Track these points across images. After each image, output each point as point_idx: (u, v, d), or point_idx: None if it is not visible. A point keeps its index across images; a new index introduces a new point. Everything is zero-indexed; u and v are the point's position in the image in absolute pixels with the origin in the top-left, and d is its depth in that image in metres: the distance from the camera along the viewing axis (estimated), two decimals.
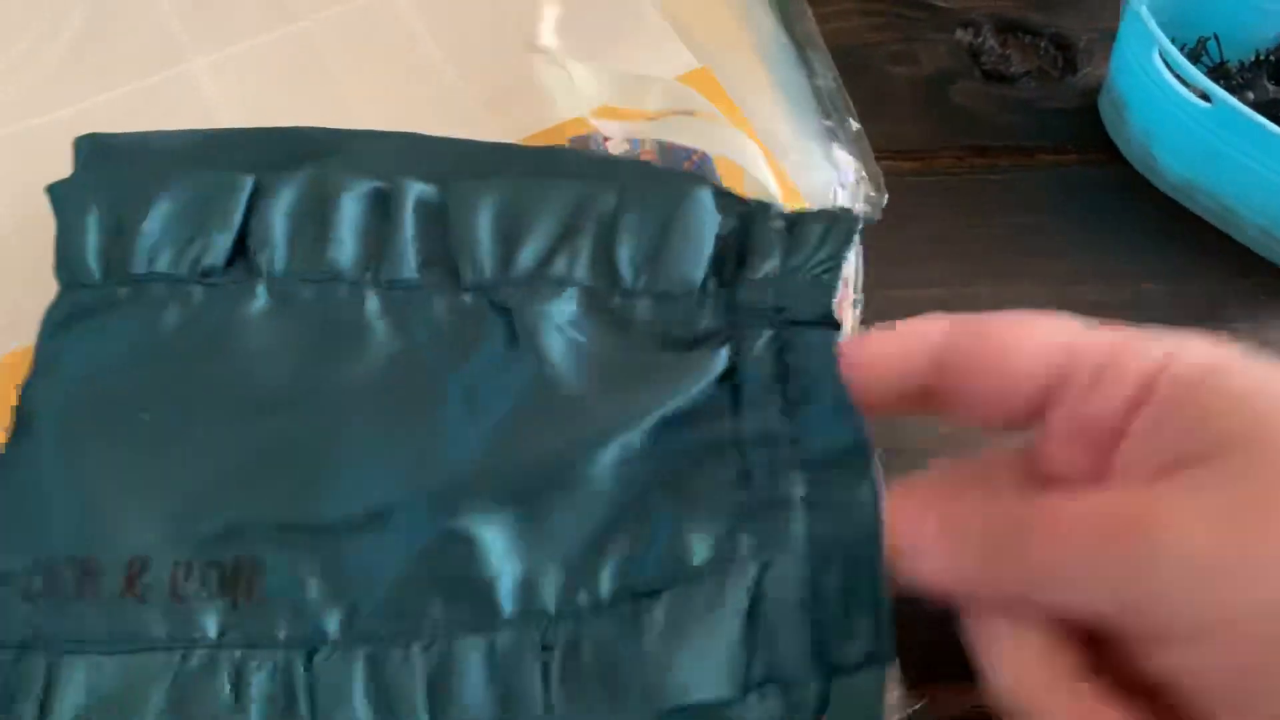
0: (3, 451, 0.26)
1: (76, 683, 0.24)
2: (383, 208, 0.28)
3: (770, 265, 0.27)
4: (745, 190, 0.31)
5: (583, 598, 0.24)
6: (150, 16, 0.37)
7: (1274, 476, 0.18)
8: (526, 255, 0.27)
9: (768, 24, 0.41)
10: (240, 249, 0.27)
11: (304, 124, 0.35)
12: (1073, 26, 0.42)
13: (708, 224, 0.27)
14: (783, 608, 0.23)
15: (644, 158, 0.33)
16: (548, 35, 0.35)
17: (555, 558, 0.24)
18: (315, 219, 0.27)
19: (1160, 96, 0.37)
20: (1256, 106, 0.35)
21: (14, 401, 0.27)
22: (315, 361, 0.26)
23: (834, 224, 0.27)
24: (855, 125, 0.38)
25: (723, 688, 0.23)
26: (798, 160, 0.37)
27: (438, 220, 0.28)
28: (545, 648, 0.24)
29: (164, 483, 0.25)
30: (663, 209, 0.27)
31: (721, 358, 0.26)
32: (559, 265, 0.27)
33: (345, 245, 0.27)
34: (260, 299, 0.27)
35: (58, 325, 0.27)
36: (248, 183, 0.28)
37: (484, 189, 0.28)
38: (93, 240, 0.27)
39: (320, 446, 0.25)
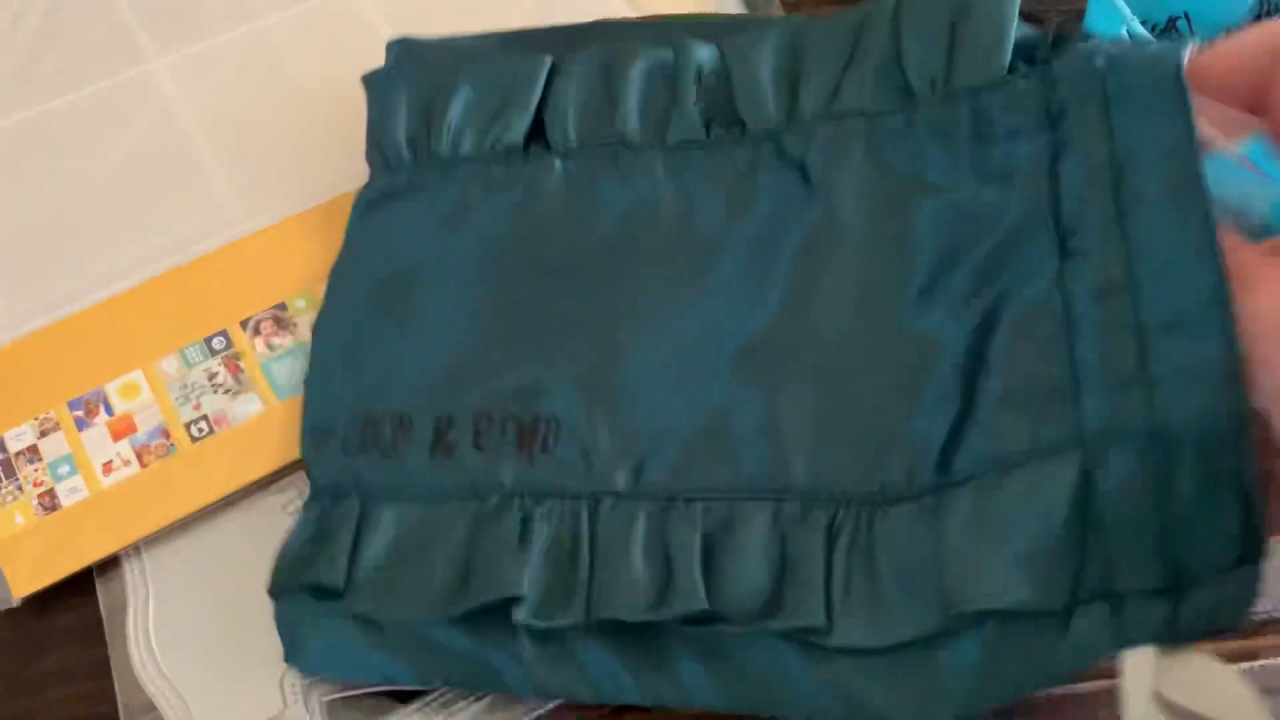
0: (318, 319, 0.29)
1: (386, 528, 0.25)
2: (668, 76, 0.28)
3: (1093, 44, 0.23)
4: None
5: (881, 483, 0.22)
6: (109, 17, 0.37)
7: None
8: (810, 95, 0.26)
9: (735, 12, 0.40)
10: (538, 127, 0.29)
11: (268, 125, 0.35)
12: (1042, 6, 0.42)
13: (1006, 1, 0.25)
14: (1119, 507, 0.19)
15: None
16: None
17: (854, 439, 0.23)
18: (605, 93, 0.28)
19: None
20: None
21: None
22: (609, 227, 0.27)
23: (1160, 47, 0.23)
24: None
25: (1040, 596, 0.20)
26: None
27: (721, 78, 0.28)
28: (832, 531, 0.22)
29: (470, 345, 0.27)
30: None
31: (1040, 179, 0.22)
32: (845, 97, 0.26)
33: (632, 115, 0.28)
34: (556, 171, 0.28)
35: (370, 203, 0.30)
36: (545, 64, 0.29)
37: (761, 38, 0.27)
38: (403, 126, 0.29)
39: (617, 309, 0.26)
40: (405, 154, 0.29)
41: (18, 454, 0.30)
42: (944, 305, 0.23)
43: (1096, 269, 0.21)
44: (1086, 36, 0.24)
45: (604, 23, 0.30)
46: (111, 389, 0.30)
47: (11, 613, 0.29)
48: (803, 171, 0.26)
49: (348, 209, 0.32)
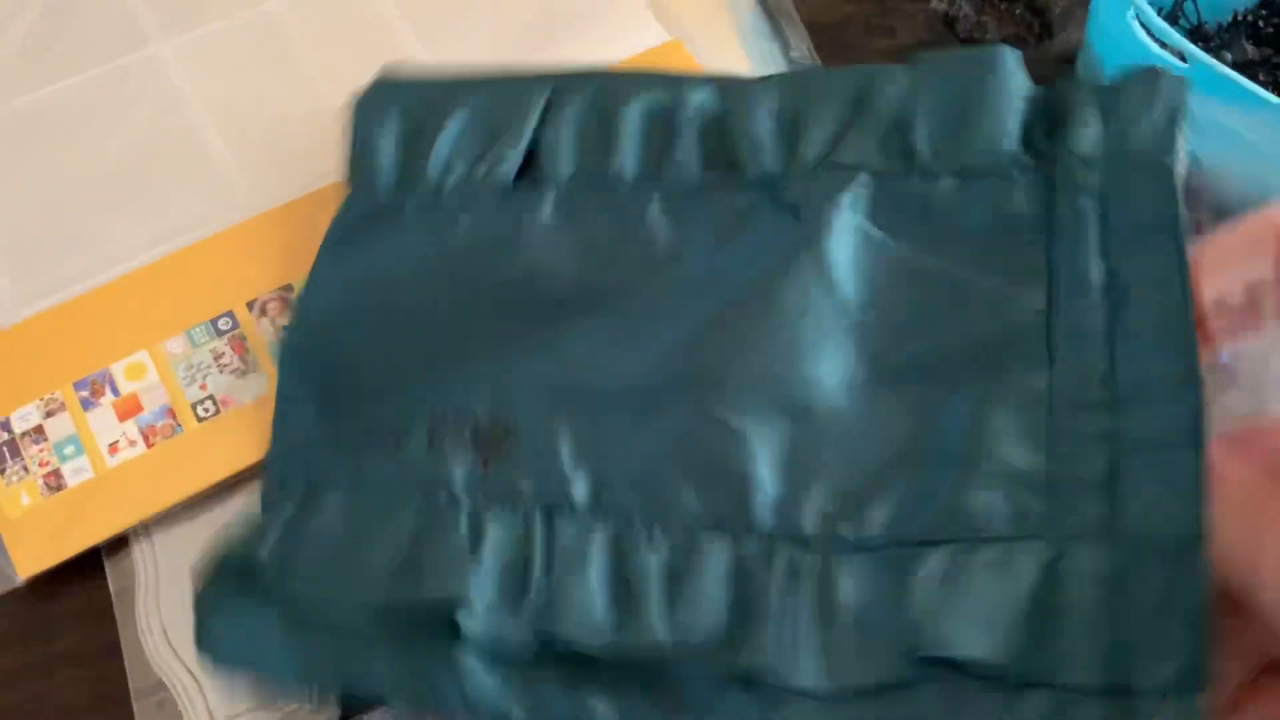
0: (287, 334, 0.28)
1: (328, 511, 0.25)
2: (665, 117, 0.27)
3: (1091, 136, 0.23)
4: None
5: (846, 531, 0.22)
6: (113, 1, 0.37)
7: None
8: (811, 144, 0.26)
9: (747, 20, 0.40)
10: (531, 158, 0.28)
11: (273, 107, 0.35)
12: None
13: (1014, 86, 0.25)
14: (1075, 602, 0.20)
15: None
16: None
17: (824, 482, 0.23)
18: (602, 129, 0.27)
19: (1138, 59, 0.36)
20: (1235, 67, 0.34)
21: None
22: (597, 261, 0.26)
23: (1158, 82, 0.23)
24: None
25: (993, 650, 0.20)
26: None
27: (718, 123, 0.27)
28: (793, 572, 0.22)
29: (435, 348, 0.26)
30: (962, 75, 0.25)
31: (1039, 271, 0.23)
32: (848, 150, 0.25)
33: (629, 154, 0.27)
34: (548, 206, 0.27)
35: (350, 227, 0.28)
36: (544, 93, 0.28)
37: (762, 86, 0.27)
38: (390, 147, 0.28)
39: (593, 329, 0.25)
40: (390, 178, 0.28)
41: (23, 434, 0.29)
42: (927, 378, 0.23)
43: (1082, 379, 0.22)
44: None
45: (598, 70, 0.30)
46: (117, 369, 0.30)
47: (19, 595, 0.29)
48: (794, 212, 0.25)
49: None
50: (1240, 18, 0.39)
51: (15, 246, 0.32)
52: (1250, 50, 0.38)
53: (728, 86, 0.27)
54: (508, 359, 0.25)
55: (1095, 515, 0.21)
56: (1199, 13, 0.39)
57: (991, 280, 0.23)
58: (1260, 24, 0.38)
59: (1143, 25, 0.35)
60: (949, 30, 0.42)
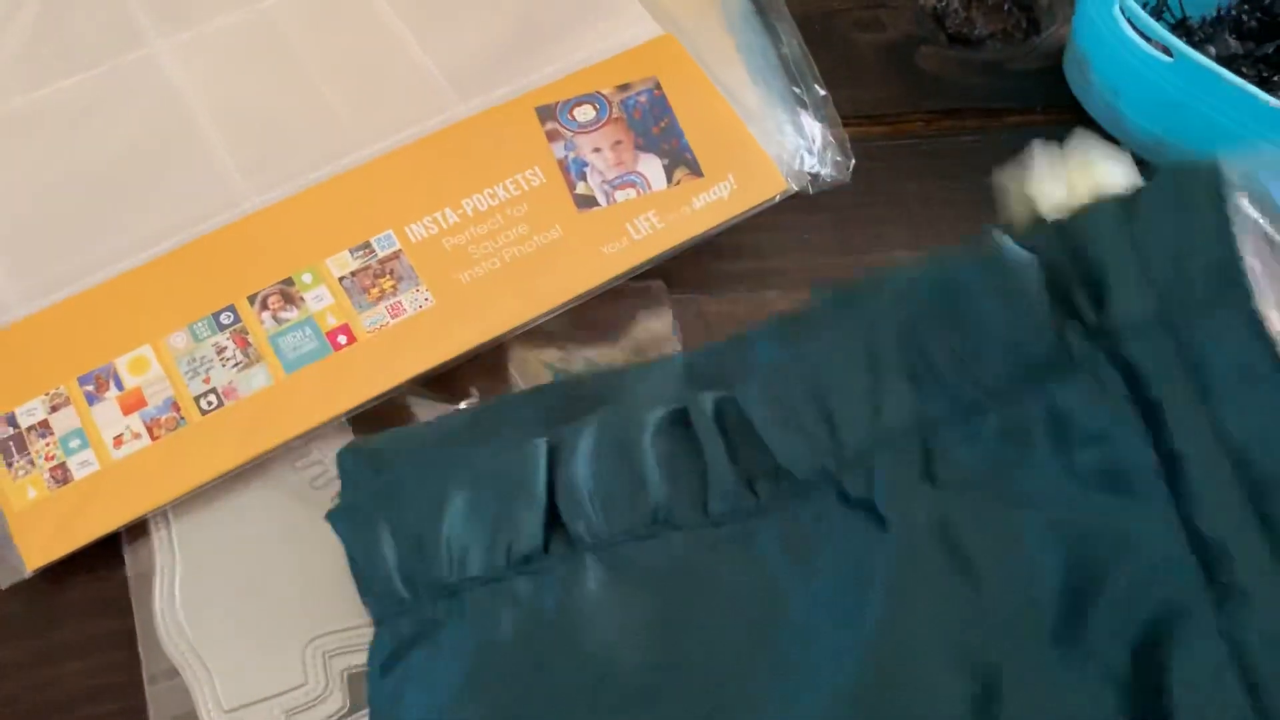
0: None
1: None
2: (685, 432, 0.24)
3: (1140, 294, 0.20)
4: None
5: None
6: (109, 1, 0.37)
7: None
8: (850, 421, 0.23)
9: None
10: (552, 518, 0.24)
11: (270, 104, 0.35)
12: None
13: (1026, 272, 0.21)
14: None
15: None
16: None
17: None
18: (624, 468, 0.24)
19: (1123, 53, 0.37)
20: (1219, 61, 0.35)
21: None
22: (670, 632, 0.23)
23: (1190, 188, 0.20)
24: (821, 91, 0.38)
25: None
26: (765, 127, 0.37)
27: (743, 426, 0.24)
28: None
29: None
30: (973, 287, 0.22)
31: (1159, 494, 0.20)
32: (889, 413, 0.22)
33: (660, 488, 0.24)
34: (591, 573, 0.23)
35: (386, 663, 0.25)
36: (541, 448, 0.24)
37: (765, 375, 0.24)
38: (392, 560, 0.24)
39: None
40: (403, 592, 0.24)
41: (29, 429, 0.30)
42: (1089, 650, 0.20)
43: (1267, 613, 0.19)
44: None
45: (587, 386, 0.26)
46: (121, 364, 0.31)
47: (28, 586, 0.29)
48: (871, 510, 0.22)
49: (348, 187, 0.33)
50: (1223, 12, 0.40)
51: (17, 244, 0.33)
52: (1233, 44, 0.39)
53: (737, 386, 0.24)
54: None
55: None
56: (1183, 7, 0.40)
57: (1111, 500, 0.20)
58: (1243, 18, 0.39)
59: (1128, 20, 0.36)
60: (937, 25, 0.42)
